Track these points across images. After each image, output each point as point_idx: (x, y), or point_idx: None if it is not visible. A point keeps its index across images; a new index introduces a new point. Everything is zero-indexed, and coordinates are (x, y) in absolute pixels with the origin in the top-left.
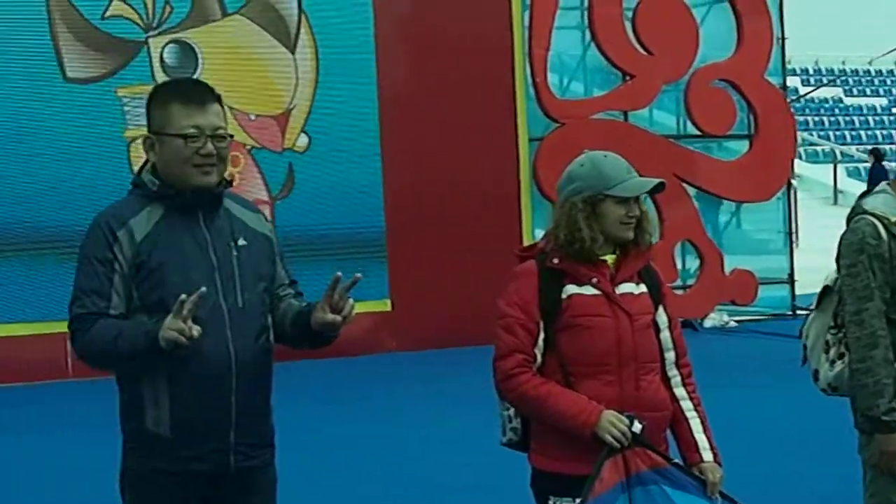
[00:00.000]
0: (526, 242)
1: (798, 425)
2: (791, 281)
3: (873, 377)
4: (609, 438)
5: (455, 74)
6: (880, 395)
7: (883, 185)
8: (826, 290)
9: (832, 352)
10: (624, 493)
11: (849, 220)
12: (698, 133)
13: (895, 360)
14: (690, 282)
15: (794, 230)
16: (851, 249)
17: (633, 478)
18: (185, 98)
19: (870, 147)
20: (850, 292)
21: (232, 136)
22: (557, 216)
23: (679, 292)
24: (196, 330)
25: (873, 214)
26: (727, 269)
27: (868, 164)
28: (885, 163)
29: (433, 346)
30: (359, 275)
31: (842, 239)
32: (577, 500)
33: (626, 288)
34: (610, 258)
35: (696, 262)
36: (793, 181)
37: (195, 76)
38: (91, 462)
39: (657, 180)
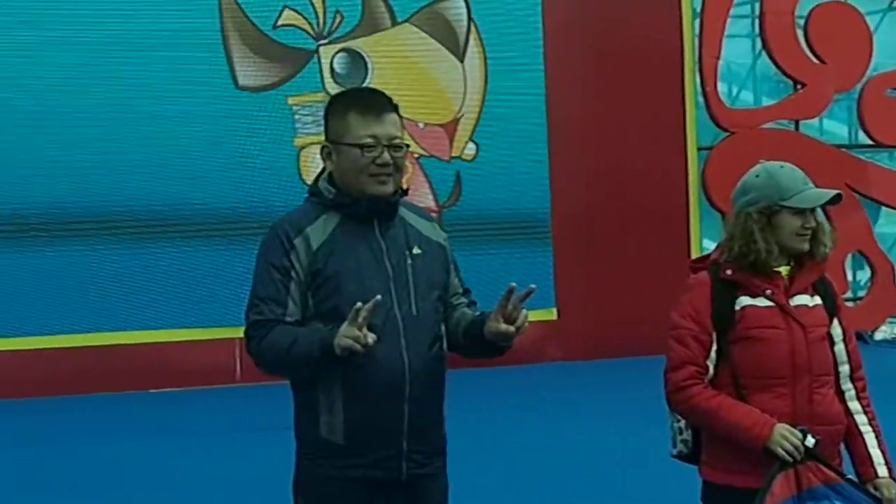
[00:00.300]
0: (694, 253)
1: None
2: None
3: None
4: (781, 452)
5: (624, 83)
6: None
7: None
8: None
9: None
10: None
11: None
12: (871, 143)
13: None
14: (861, 293)
15: None
16: None
17: (804, 493)
18: (363, 108)
19: None
20: None
21: (408, 145)
22: (732, 227)
23: (850, 304)
24: (371, 337)
25: None
26: None
27: None
28: None
29: (598, 356)
30: (533, 286)
31: None
32: None
33: (801, 300)
34: (784, 270)
35: (867, 274)
36: None
37: (364, 84)
38: (260, 466)
39: (834, 191)
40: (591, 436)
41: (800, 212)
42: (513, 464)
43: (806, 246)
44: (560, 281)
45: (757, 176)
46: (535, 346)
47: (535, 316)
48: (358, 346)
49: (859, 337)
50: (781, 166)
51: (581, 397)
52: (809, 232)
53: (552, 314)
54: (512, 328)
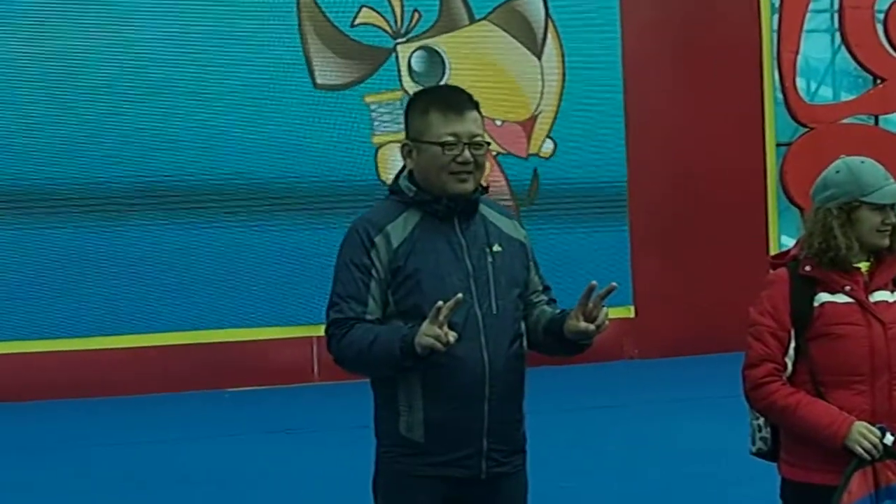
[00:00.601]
0: (772, 249)
1: None
2: None
3: None
4: (859, 450)
5: (702, 79)
6: None
7: None
8: None
9: None
10: None
11: None
12: None
13: None
14: None
15: None
16: None
17: (882, 490)
18: (444, 106)
19: None
20: None
21: (489, 143)
22: (811, 224)
23: None
24: (452, 335)
25: None
26: None
27: None
28: None
29: (675, 353)
30: (614, 283)
31: None
32: None
33: (881, 296)
34: (864, 266)
35: None
36: None
37: (442, 82)
38: (339, 465)
39: None
40: (669, 434)
41: (880, 207)
42: (592, 462)
43: (886, 242)
44: (638, 278)
45: (837, 172)
46: (613, 343)
47: (613, 314)
48: (439, 345)
49: None
50: (862, 161)
51: (659, 395)
52: (890, 228)
53: (630, 312)
54: (592, 326)
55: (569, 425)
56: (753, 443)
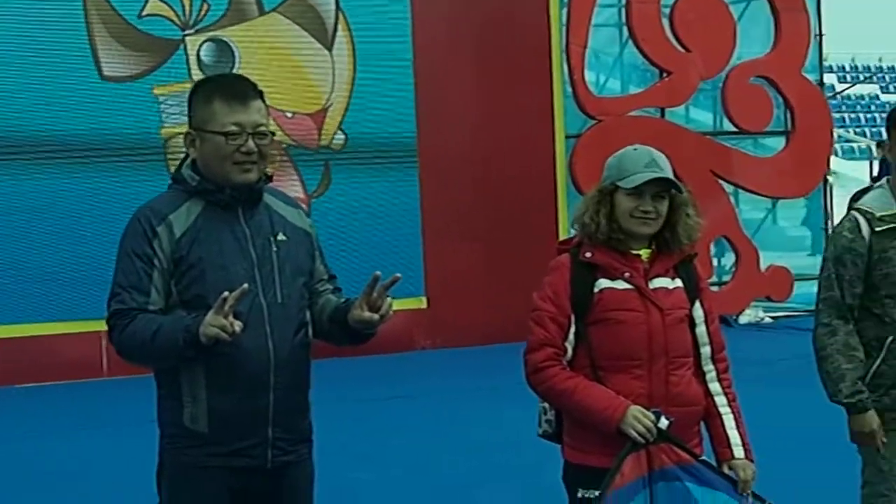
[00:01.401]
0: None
1: (834, 421)
2: None
3: (832, 364)
4: (634, 434)
5: (495, 72)
6: (841, 379)
7: (883, 180)
8: None
9: None
10: (645, 489)
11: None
12: (735, 130)
13: (870, 349)
14: (726, 278)
15: (830, 226)
16: (830, 243)
17: (656, 473)
18: (228, 95)
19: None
20: (819, 284)
21: (273, 133)
22: (580, 204)
23: (715, 289)
24: (238, 325)
25: (859, 210)
26: (763, 266)
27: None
28: None
29: (468, 343)
30: (398, 275)
31: (832, 231)
32: (597, 493)
33: (661, 283)
34: (645, 253)
35: (732, 259)
36: (829, 177)
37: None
38: (128, 459)
39: (658, 175)
40: (460, 423)
41: (636, 193)
42: (382, 452)
43: (645, 229)
44: (431, 270)
45: (613, 157)
46: (404, 334)
47: (404, 304)
48: (224, 335)
49: (724, 321)
50: (635, 149)
51: (450, 384)
52: (647, 215)
53: (422, 303)
54: (376, 316)
55: (358, 415)
56: (540, 425)
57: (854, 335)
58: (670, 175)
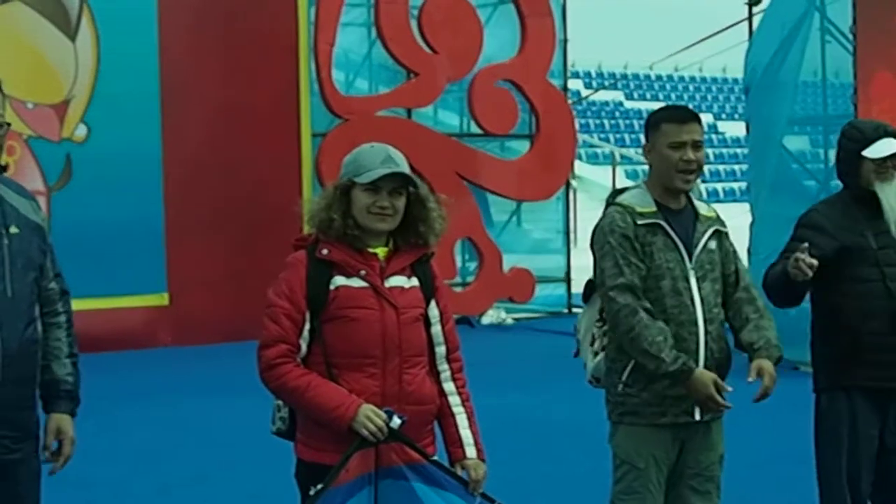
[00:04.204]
0: None
1: (575, 418)
2: (568, 280)
3: (646, 340)
4: (365, 433)
5: (242, 67)
6: (660, 351)
7: (639, 181)
8: (591, 285)
9: (596, 344)
10: (370, 485)
11: (603, 214)
12: (481, 132)
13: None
14: (470, 279)
15: (572, 230)
16: (601, 234)
17: (382, 471)
18: None
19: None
20: (602, 273)
21: (9, 123)
22: (316, 199)
23: (458, 289)
24: None
25: (620, 205)
26: (506, 268)
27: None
28: None
29: (211, 340)
30: None
31: (594, 228)
32: (318, 487)
33: (396, 281)
34: (381, 251)
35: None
36: (572, 182)
37: None
38: None
39: (395, 171)
40: (194, 417)
41: (372, 190)
42: (113, 446)
43: (382, 225)
44: (174, 266)
45: (350, 154)
46: (146, 331)
47: (146, 301)
48: None
49: (466, 321)
50: (372, 146)
51: (187, 379)
52: (383, 211)
53: (164, 299)
54: None
55: (93, 411)
56: (273, 423)
57: (651, 310)
58: (407, 171)
